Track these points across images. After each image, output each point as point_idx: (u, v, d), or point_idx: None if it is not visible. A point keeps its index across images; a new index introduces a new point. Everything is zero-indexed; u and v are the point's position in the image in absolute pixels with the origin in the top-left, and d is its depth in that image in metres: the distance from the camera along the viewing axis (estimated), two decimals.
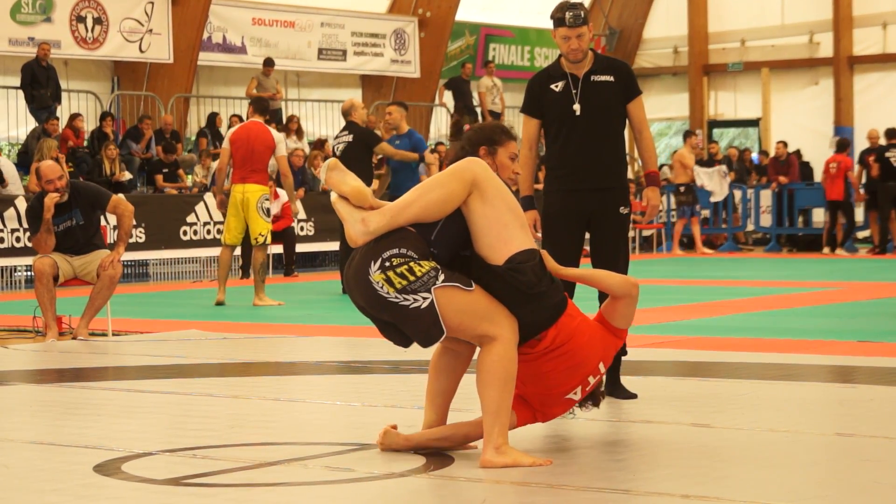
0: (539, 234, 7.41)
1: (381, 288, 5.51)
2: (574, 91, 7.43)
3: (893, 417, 6.79)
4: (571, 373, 5.80)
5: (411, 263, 5.52)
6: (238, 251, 17.09)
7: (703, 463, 5.58)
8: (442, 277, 5.54)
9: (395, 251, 5.54)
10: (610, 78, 7.46)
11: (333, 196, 5.71)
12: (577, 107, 7.41)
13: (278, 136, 14.37)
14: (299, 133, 23.33)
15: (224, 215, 14.57)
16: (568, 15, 7.31)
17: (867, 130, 25.17)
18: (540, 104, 7.53)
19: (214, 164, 21.55)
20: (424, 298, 5.50)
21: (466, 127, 6.52)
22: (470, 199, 5.64)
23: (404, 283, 5.50)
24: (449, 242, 5.68)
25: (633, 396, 7.35)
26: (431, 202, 5.61)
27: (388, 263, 5.52)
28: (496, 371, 5.55)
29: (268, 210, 14.35)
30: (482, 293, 5.60)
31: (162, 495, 5.11)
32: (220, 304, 14.29)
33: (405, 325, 5.59)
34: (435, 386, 5.88)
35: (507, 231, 5.65)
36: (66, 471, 5.58)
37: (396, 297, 5.50)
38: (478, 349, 5.73)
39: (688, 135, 25.31)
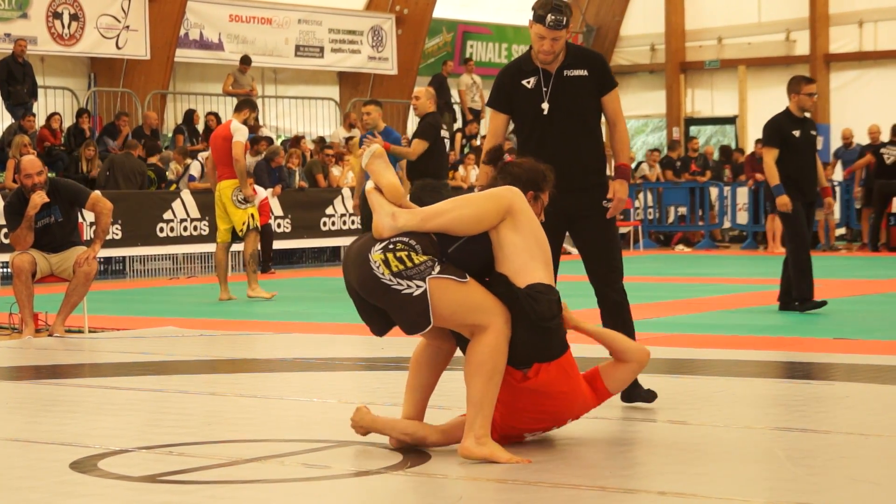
0: None
1: (378, 268, 5.54)
2: (545, 89, 7.06)
3: (869, 414, 6.81)
4: (539, 419, 5.84)
5: (412, 252, 5.56)
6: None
7: (679, 460, 5.59)
8: (438, 269, 5.57)
9: (404, 238, 5.60)
10: (583, 72, 7.09)
11: (369, 185, 5.77)
12: (545, 105, 7.05)
13: (234, 125, 14.31)
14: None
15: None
16: (550, 18, 6.87)
17: (842, 128, 25.12)
18: (510, 100, 7.15)
19: (189, 161, 21.46)
20: (418, 286, 5.52)
21: (507, 157, 6.25)
22: (501, 225, 5.68)
23: (401, 267, 5.53)
24: (463, 261, 5.68)
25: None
26: (463, 217, 5.66)
27: (391, 246, 5.57)
28: (484, 362, 5.55)
29: (244, 199, 14.35)
30: (476, 286, 5.63)
31: (138, 492, 5.10)
32: (228, 300, 14.31)
33: (393, 310, 5.61)
34: (415, 380, 5.90)
35: (532, 262, 5.66)
36: (42, 468, 5.57)
37: (390, 280, 5.53)
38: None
39: None
